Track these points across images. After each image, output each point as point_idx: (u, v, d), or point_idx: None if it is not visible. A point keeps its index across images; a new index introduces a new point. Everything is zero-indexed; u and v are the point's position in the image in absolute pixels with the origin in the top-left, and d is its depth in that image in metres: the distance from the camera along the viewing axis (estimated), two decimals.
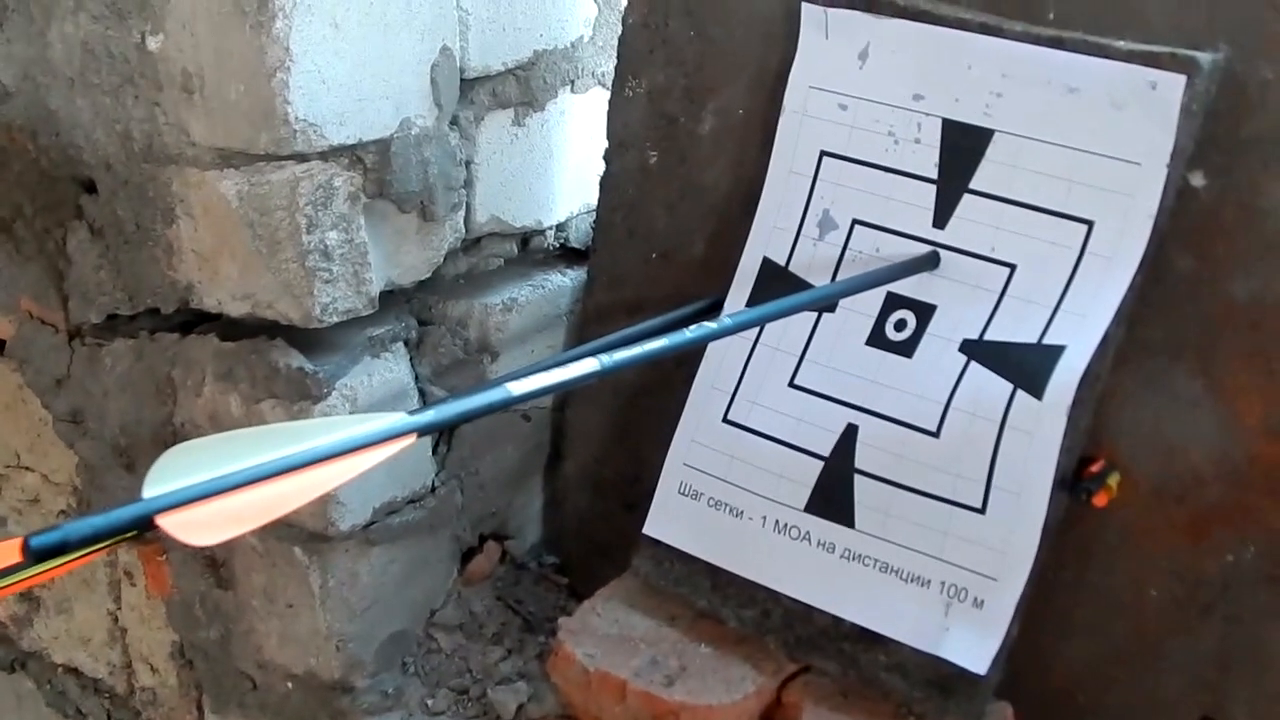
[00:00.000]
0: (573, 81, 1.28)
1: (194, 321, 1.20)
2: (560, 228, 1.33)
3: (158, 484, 0.67)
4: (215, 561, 1.23)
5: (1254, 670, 1.01)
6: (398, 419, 0.74)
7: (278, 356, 1.12)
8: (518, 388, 0.77)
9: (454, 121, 1.17)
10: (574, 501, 1.33)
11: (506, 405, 0.79)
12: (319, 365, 1.12)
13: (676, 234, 1.22)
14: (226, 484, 0.69)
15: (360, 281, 1.12)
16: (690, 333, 0.89)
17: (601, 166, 1.25)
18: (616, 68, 1.23)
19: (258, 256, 1.10)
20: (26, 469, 1.41)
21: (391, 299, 1.19)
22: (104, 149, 1.15)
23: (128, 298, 1.20)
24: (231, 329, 1.16)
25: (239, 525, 0.71)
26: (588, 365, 0.82)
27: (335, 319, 1.10)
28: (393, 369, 1.17)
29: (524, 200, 1.27)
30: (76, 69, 1.14)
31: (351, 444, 0.71)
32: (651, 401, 1.23)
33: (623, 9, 1.23)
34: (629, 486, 1.24)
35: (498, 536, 1.33)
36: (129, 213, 1.16)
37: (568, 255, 1.35)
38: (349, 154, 1.09)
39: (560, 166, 1.30)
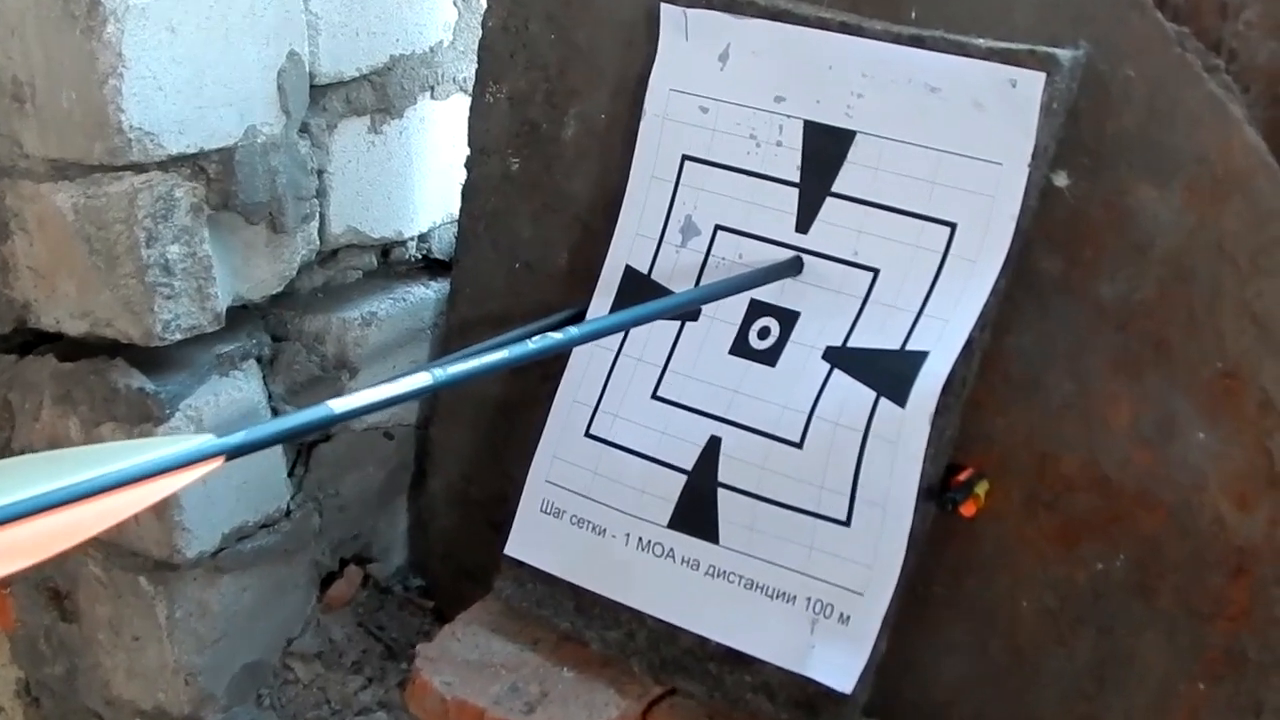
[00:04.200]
0: (433, 88, 1.24)
1: (33, 342, 1.14)
2: (423, 238, 1.29)
3: None
4: (60, 594, 1.16)
5: (1128, 682, 0.98)
6: (204, 440, 0.69)
7: (117, 377, 1.06)
8: (340, 405, 0.73)
9: (304, 129, 1.12)
10: (440, 522, 1.28)
11: (328, 424, 0.75)
12: (161, 385, 1.06)
13: (541, 244, 1.18)
14: (9, 514, 0.64)
15: (205, 297, 1.06)
16: (533, 344, 0.85)
17: (463, 174, 1.21)
18: (477, 72, 1.19)
19: (95, 272, 1.04)
20: None
21: (242, 315, 1.14)
22: None
23: None
24: (72, 349, 1.10)
25: (26, 557, 0.65)
26: (420, 380, 0.78)
27: (178, 336, 1.05)
28: (242, 388, 1.12)
29: (383, 210, 1.22)
30: None
31: (153, 468, 0.66)
32: (518, 417, 1.19)
33: (482, 12, 1.19)
34: (496, 505, 1.19)
35: (360, 559, 1.27)
36: None
37: (431, 267, 1.30)
38: (190, 164, 1.04)
39: (421, 175, 1.26)
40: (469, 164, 1.21)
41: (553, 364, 1.10)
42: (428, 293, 1.27)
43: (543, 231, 1.18)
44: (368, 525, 1.28)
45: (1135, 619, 0.97)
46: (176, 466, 0.66)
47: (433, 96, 1.24)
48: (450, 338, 1.24)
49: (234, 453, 0.69)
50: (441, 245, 1.30)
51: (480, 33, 1.18)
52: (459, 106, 1.25)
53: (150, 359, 1.07)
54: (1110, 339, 0.96)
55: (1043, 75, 0.93)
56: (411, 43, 1.20)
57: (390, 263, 1.26)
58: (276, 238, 1.11)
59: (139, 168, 1.01)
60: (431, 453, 1.28)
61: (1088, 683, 1.00)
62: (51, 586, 1.17)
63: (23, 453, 1.13)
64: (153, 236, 1.02)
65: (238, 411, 1.11)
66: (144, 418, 1.05)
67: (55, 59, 1.00)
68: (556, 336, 0.86)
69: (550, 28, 1.15)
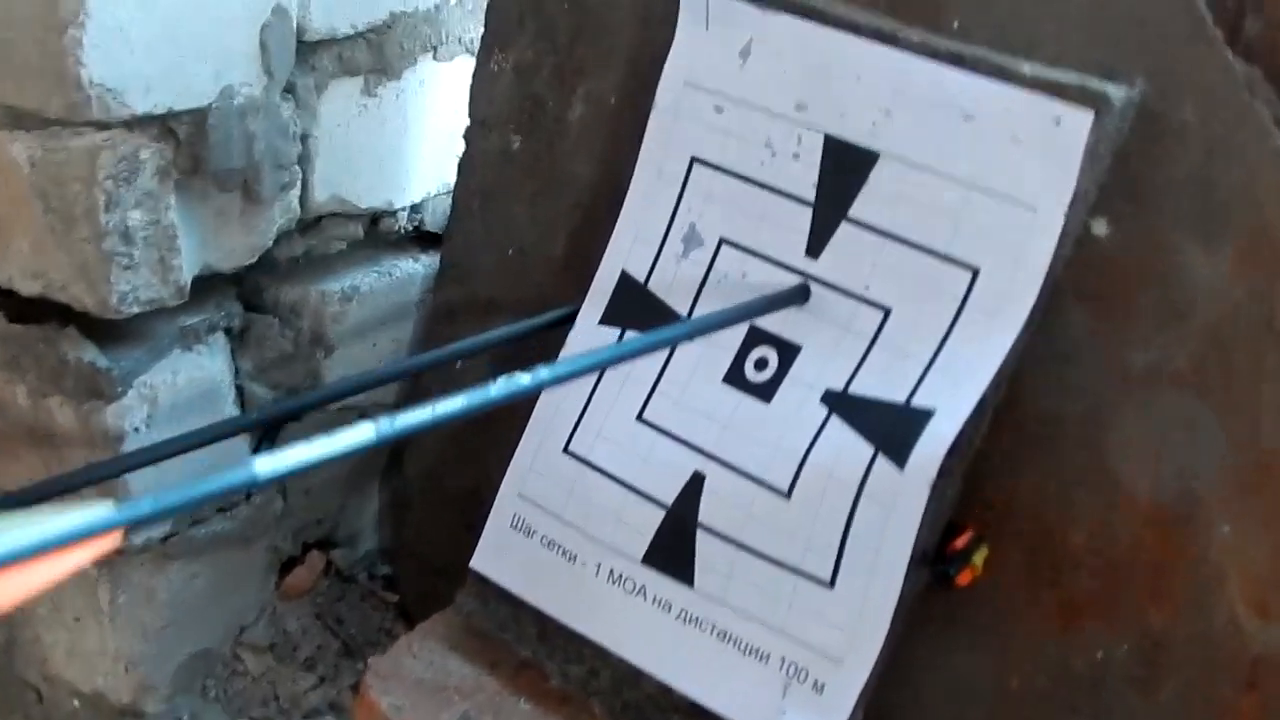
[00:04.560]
0: (435, 48, 1.14)
1: None
2: (415, 209, 1.20)
3: None
4: None
5: None
6: (100, 511, 0.60)
7: (68, 348, 0.99)
8: (265, 466, 0.65)
9: (289, 90, 1.03)
10: (412, 513, 1.21)
11: (248, 487, 0.67)
12: (115, 360, 0.99)
13: (537, 229, 1.09)
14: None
15: (168, 269, 0.99)
16: (495, 390, 0.77)
17: (462, 144, 1.12)
18: (482, 37, 1.10)
19: (51, 233, 0.97)
20: None
21: (211, 283, 1.06)
22: None
23: None
24: (24, 307, 1.03)
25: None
26: (362, 434, 0.70)
27: (136, 309, 0.98)
28: (205, 365, 1.05)
29: (373, 178, 1.13)
30: None
31: (28, 549, 0.57)
32: (499, 409, 1.12)
33: None
34: (471, 502, 1.12)
35: (323, 544, 1.21)
36: None
37: (422, 239, 1.22)
38: (158, 124, 0.96)
39: (418, 141, 1.17)
40: (467, 136, 1.11)
41: (544, 351, 1.02)
42: (416, 267, 1.18)
43: (540, 215, 1.09)
44: (335, 508, 1.21)
45: (1133, 715, 0.89)
46: (63, 543, 0.58)
47: (435, 57, 1.15)
48: (434, 321, 1.16)
49: (135, 524, 0.61)
50: (435, 217, 1.21)
51: None
52: (463, 69, 1.15)
53: (105, 330, 1.00)
54: (1136, 409, 0.87)
55: (1091, 115, 0.83)
56: None
57: (378, 233, 1.18)
58: (252, 206, 1.03)
59: (101, 125, 0.93)
60: (408, 438, 1.20)
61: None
62: None
63: None
64: (113, 200, 0.94)
65: (197, 391, 1.04)
66: (93, 394, 0.99)
67: (12, 1, 0.91)
68: (523, 381, 0.78)
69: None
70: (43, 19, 0.90)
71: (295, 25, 1.01)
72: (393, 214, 1.18)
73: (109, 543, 0.60)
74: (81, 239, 0.96)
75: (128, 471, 0.91)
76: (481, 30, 1.10)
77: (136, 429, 1.00)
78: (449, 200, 1.18)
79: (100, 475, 0.89)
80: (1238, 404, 0.84)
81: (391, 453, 1.23)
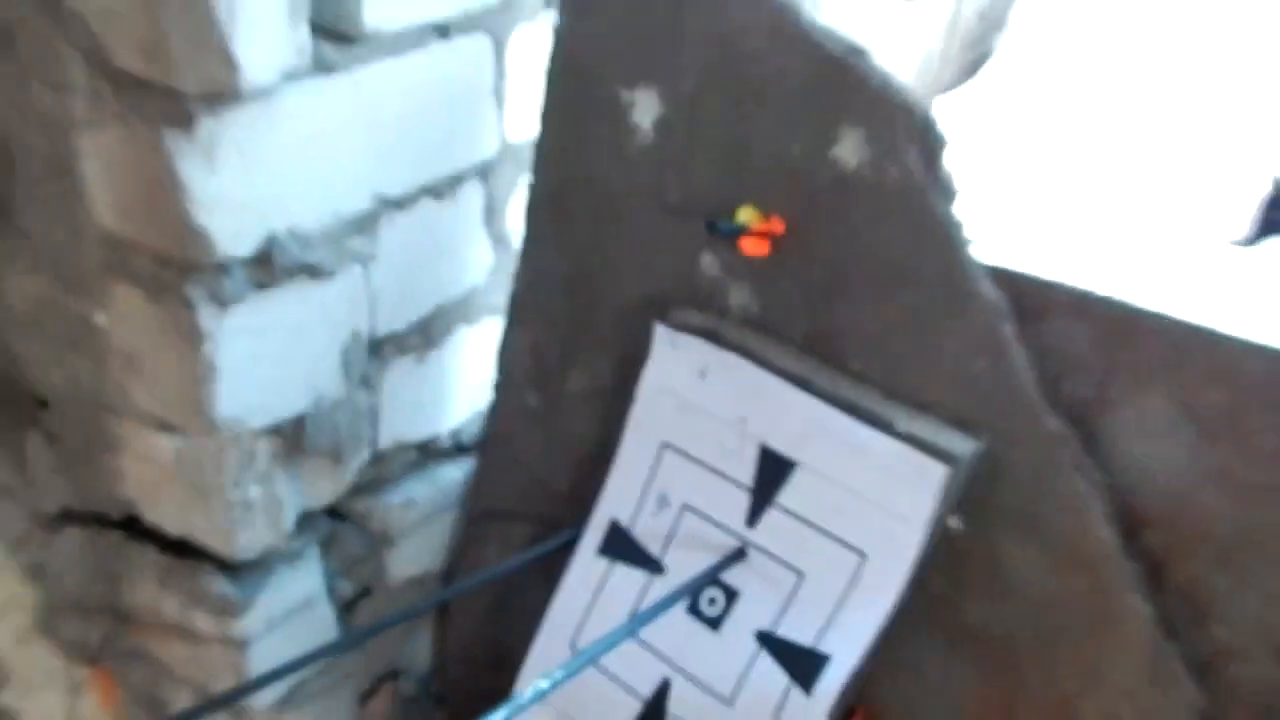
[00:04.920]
0: (470, 319, 1.47)
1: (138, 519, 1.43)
2: (454, 431, 1.55)
3: None
4: (157, 704, 1.49)
5: None
6: None
7: (206, 580, 1.35)
8: None
9: (362, 379, 1.37)
10: (456, 661, 1.59)
11: None
12: (240, 586, 1.35)
13: (548, 467, 1.45)
14: None
15: (277, 524, 1.34)
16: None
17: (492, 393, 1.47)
18: (508, 316, 1.43)
19: (191, 500, 1.32)
20: None
21: (306, 515, 1.41)
22: (56, 386, 1.36)
23: (78, 498, 1.42)
24: (172, 544, 1.39)
25: None
26: None
27: (254, 555, 1.34)
28: (304, 577, 1.41)
29: (423, 419, 1.48)
30: (31, 319, 1.33)
31: None
32: (519, 599, 1.48)
33: (516, 252, 1.42)
34: (500, 656, 1.50)
35: (392, 675, 1.59)
36: (79, 438, 1.37)
37: (461, 448, 1.57)
38: (270, 429, 1.30)
39: (456, 384, 1.51)
40: (495, 388, 1.46)
41: (554, 564, 1.39)
42: (457, 472, 1.54)
43: (551, 458, 1.44)
44: (397, 652, 1.59)
45: None
46: None
47: (468, 324, 1.48)
48: (473, 523, 1.52)
49: None
50: (470, 433, 1.56)
51: (512, 278, 1.42)
52: (493, 327, 1.48)
53: (232, 565, 1.36)
54: (972, 654, 1.24)
55: (945, 469, 1.17)
56: (453, 290, 1.44)
57: (428, 450, 1.53)
58: (337, 465, 1.38)
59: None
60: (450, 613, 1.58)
61: None
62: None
63: (131, 608, 1.43)
64: (237, 481, 1.30)
65: (301, 595, 1.41)
66: (225, 612, 1.35)
67: (161, 357, 1.24)
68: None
69: (570, 296, 1.38)
70: (185, 376, 1.23)
71: (366, 338, 1.35)
72: (438, 437, 1.52)
73: None
74: (214, 507, 1.31)
75: (254, 691, 1.27)
76: (507, 309, 1.42)
77: (259, 634, 1.37)
78: (480, 420, 1.53)
79: (235, 698, 1.26)
80: (1044, 661, 1.21)
81: (438, 613, 1.60)
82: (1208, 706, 1.17)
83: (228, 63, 1.08)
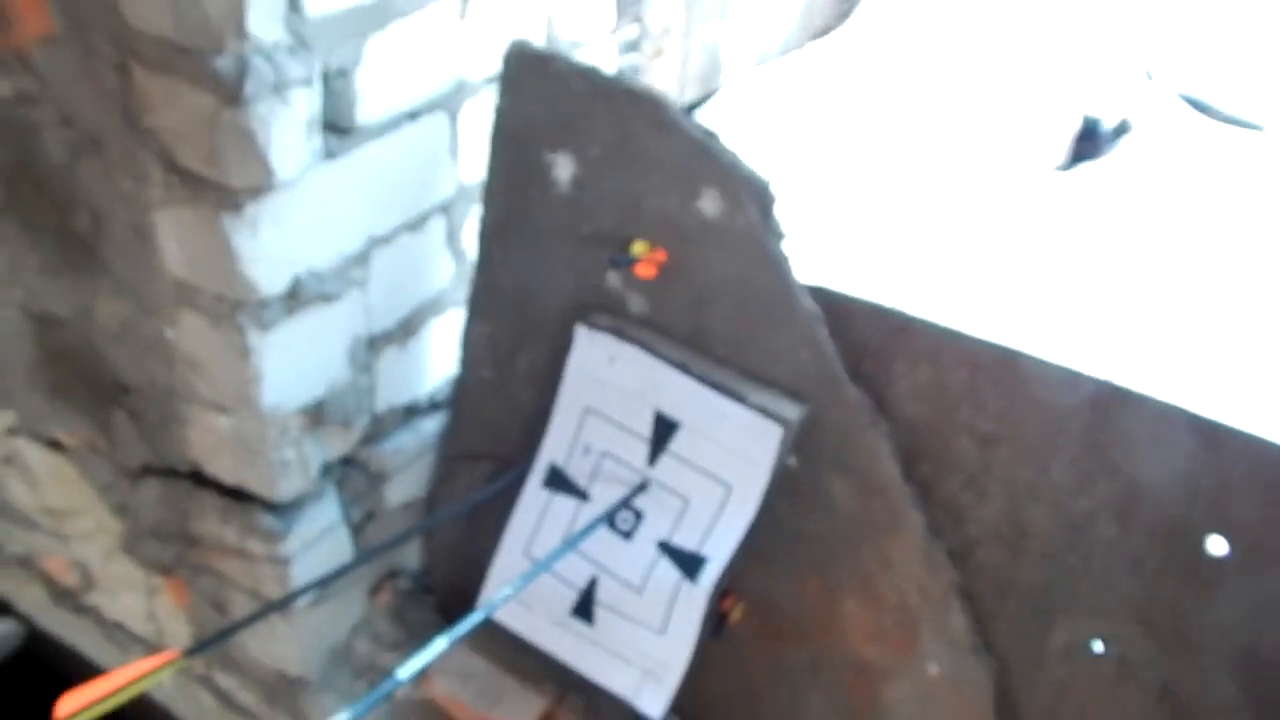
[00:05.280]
0: (438, 313, 1.96)
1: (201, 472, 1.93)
2: (431, 394, 2.04)
3: None
4: (219, 603, 2.01)
5: (805, 697, 1.87)
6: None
7: (257, 517, 1.86)
8: (404, 672, 1.51)
9: (364, 367, 1.86)
10: (441, 561, 2.12)
11: (397, 686, 1.56)
12: (281, 520, 1.86)
13: (502, 421, 1.95)
14: None
15: (306, 473, 1.84)
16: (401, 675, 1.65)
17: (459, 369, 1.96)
18: (468, 312, 1.91)
19: (242, 460, 1.81)
20: (84, 516, 2.15)
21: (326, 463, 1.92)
22: (136, 379, 1.84)
23: (155, 457, 1.92)
24: (230, 490, 1.89)
25: None
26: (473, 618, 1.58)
27: (291, 497, 1.84)
28: (326, 510, 1.91)
29: (408, 388, 1.97)
30: (116, 331, 1.81)
31: None
32: (484, 517, 2.00)
33: (472, 269, 1.90)
34: (471, 556, 2.02)
35: (393, 575, 2.12)
36: (154, 415, 1.86)
37: (435, 406, 2.07)
38: (298, 410, 1.79)
39: (432, 360, 2.00)
40: (460, 364, 1.95)
41: (510, 493, 1.90)
42: (433, 425, 2.03)
43: (505, 418, 1.94)
44: (396, 560, 2.11)
45: (805, 681, 1.84)
46: None
47: (437, 315, 1.97)
48: (445, 461, 2.03)
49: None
50: (442, 395, 2.05)
51: (470, 285, 1.90)
52: (456, 316, 1.97)
53: (275, 504, 1.86)
54: (806, 552, 1.78)
55: (781, 429, 1.69)
56: (425, 294, 1.92)
57: (410, 409, 2.03)
58: (347, 429, 1.88)
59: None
60: (435, 538, 2.09)
61: (780, 687, 1.89)
62: (214, 599, 2.01)
63: (198, 535, 1.94)
64: (276, 447, 1.79)
65: (325, 523, 1.91)
66: (272, 539, 1.86)
67: (218, 364, 1.71)
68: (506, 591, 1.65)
69: (510, 302, 1.87)
70: (238, 379, 1.71)
71: (367, 339, 1.83)
72: (418, 401, 2.02)
73: None
74: (260, 465, 1.80)
75: (291, 601, 1.78)
76: (467, 306, 1.91)
77: (297, 552, 1.88)
78: (450, 385, 2.02)
79: (281, 605, 1.77)
80: (856, 553, 1.75)
81: (425, 533, 2.12)
82: (962, 581, 1.71)
83: (266, 169, 1.54)
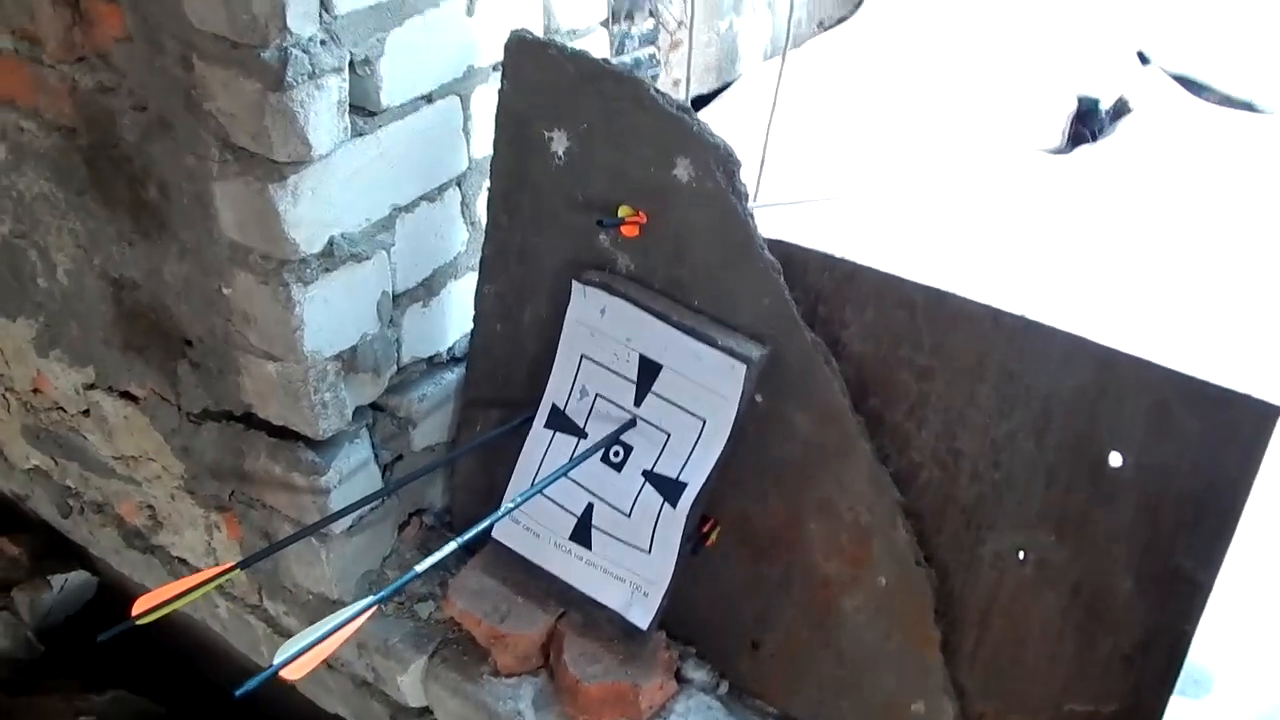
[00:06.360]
0: (455, 275, 2.25)
1: (253, 415, 2.22)
2: (450, 349, 2.32)
3: (281, 652, 1.68)
4: (268, 534, 2.30)
5: (777, 608, 2.12)
6: (364, 601, 1.75)
7: (300, 453, 2.14)
8: (422, 565, 1.79)
9: (391, 321, 2.15)
10: (461, 497, 2.40)
11: (415, 578, 1.83)
12: (321, 455, 2.14)
13: (511, 370, 2.23)
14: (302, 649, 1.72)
15: (343, 413, 2.13)
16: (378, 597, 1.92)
17: (472, 324, 2.24)
18: (480, 274, 2.20)
19: (286, 402, 2.10)
20: (153, 461, 2.45)
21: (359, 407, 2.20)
22: (198, 332, 2.14)
23: (214, 403, 2.22)
24: (275, 427, 2.18)
25: (312, 665, 1.73)
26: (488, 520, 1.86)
27: (329, 435, 2.12)
28: (360, 449, 2.20)
29: (431, 342, 2.26)
30: (181, 289, 2.11)
31: (344, 620, 1.73)
32: (498, 456, 2.27)
33: (483, 235, 2.18)
34: (486, 491, 2.29)
35: (420, 512, 2.40)
36: (214, 365, 2.16)
37: (455, 360, 2.35)
38: (335, 357, 2.08)
39: (451, 318, 2.28)
40: (475, 319, 2.23)
41: (518, 434, 2.18)
42: (453, 376, 2.31)
43: (513, 365, 2.22)
44: (421, 497, 2.39)
45: (776, 595, 2.09)
46: (348, 621, 1.73)
47: (455, 278, 2.25)
48: (466, 409, 2.31)
49: (380, 603, 1.77)
50: (460, 349, 2.34)
51: (480, 250, 2.19)
52: (470, 280, 2.25)
53: (316, 441, 2.15)
54: (772, 477, 2.03)
55: (745, 366, 1.94)
56: (443, 258, 2.21)
57: (433, 362, 2.31)
58: (376, 376, 2.16)
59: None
60: (457, 469, 2.37)
61: (760, 602, 2.14)
62: (265, 530, 2.30)
63: (249, 472, 2.23)
64: (316, 389, 2.08)
65: (359, 460, 2.20)
66: (313, 472, 2.14)
67: (266, 314, 2.01)
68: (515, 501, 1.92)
69: (520, 261, 2.15)
70: (283, 326, 2.00)
71: (391, 295, 2.12)
72: (439, 353, 2.30)
73: (366, 616, 1.77)
74: (302, 406, 2.09)
75: (330, 522, 2.06)
76: (479, 269, 2.19)
77: (335, 485, 2.17)
78: (466, 340, 2.30)
79: (321, 525, 2.06)
80: (812, 477, 2.00)
81: (448, 468, 2.40)
82: (906, 501, 1.96)
83: (305, 143, 1.83)
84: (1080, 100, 3.97)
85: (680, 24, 4.00)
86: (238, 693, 1.50)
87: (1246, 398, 1.67)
